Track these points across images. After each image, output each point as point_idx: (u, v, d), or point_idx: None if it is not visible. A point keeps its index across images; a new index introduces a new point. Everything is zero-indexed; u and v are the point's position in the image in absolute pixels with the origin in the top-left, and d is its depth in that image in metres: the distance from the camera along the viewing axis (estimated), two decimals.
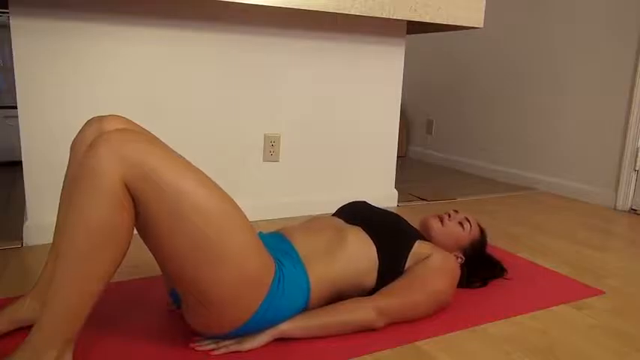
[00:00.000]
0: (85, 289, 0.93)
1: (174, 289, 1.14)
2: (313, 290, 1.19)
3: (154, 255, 1.05)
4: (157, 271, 1.58)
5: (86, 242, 0.91)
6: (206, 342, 1.14)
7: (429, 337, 1.25)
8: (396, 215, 1.43)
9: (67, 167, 1.18)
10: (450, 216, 1.51)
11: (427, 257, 1.31)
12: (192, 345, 1.14)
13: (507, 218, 2.42)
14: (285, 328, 1.16)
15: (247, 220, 1.07)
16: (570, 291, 1.58)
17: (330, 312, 1.21)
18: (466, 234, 1.48)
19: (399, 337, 1.24)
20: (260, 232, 1.31)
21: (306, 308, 1.20)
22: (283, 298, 1.12)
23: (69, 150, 1.18)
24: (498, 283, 1.58)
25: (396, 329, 1.26)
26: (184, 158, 1.02)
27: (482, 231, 1.54)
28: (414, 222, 1.56)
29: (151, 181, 0.93)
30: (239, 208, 1.06)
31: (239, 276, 1.03)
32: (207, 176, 1.02)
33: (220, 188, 1.04)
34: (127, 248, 0.97)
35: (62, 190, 1.18)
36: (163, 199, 0.95)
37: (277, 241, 1.26)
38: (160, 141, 1.03)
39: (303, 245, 1.24)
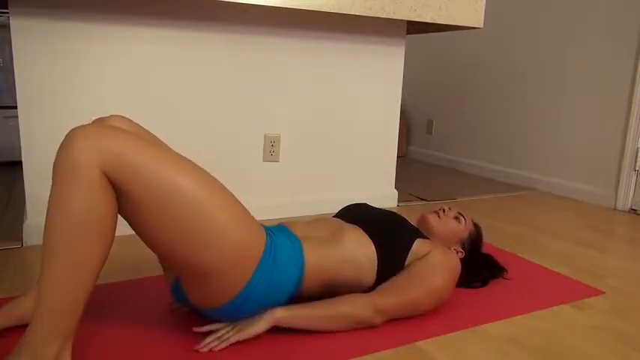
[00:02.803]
0: (77, 280, 0.94)
1: (176, 282, 1.15)
2: (307, 270, 1.20)
3: (143, 241, 1.06)
4: (156, 271, 1.58)
5: (72, 233, 0.92)
6: (207, 340, 1.14)
7: (429, 337, 1.25)
8: (397, 215, 1.43)
9: None
10: (444, 211, 1.54)
11: (427, 254, 1.32)
12: (196, 348, 1.14)
13: (507, 218, 2.42)
14: (283, 315, 1.17)
15: (230, 194, 1.09)
16: (570, 291, 1.58)
17: (327, 305, 1.22)
18: (463, 227, 1.51)
19: (399, 337, 1.24)
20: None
21: (299, 286, 1.20)
22: (275, 269, 1.14)
23: None
24: (498, 283, 1.59)
25: (396, 329, 1.26)
26: (174, 153, 1.04)
27: (476, 225, 1.57)
28: (413, 221, 1.56)
29: (129, 169, 0.95)
30: (220, 185, 1.08)
31: (228, 249, 1.05)
32: (190, 162, 1.04)
33: (201, 170, 1.06)
34: (113, 236, 0.98)
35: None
36: (143, 186, 0.96)
37: (277, 228, 1.29)
38: (157, 141, 1.04)
39: (302, 233, 1.28)
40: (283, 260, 1.16)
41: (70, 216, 0.92)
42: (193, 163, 1.05)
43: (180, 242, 1.02)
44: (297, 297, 1.23)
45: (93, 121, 1.16)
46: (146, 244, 1.07)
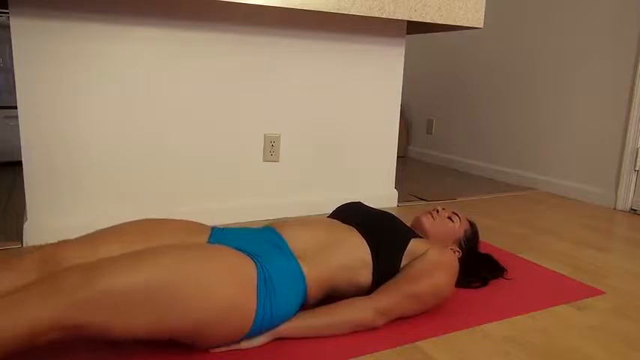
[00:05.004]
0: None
1: None
2: (310, 286, 1.19)
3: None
4: None
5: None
6: None
7: (429, 337, 1.25)
8: (391, 215, 1.43)
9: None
10: (438, 212, 1.54)
11: (424, 253, 1.32)
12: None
13: (507, 218, 2.42)
14: (283, 328, 1.16)
15: (199, 250, 1.06)
16: (570, 291, 1.58)
17: (328, 312, 1.21)
18: (457, 226, 1.51)
19: (399, 337, 1.24)
20: (246, 228, 1.31)
21: (305, 303, 1.20)
22: (278, 295, 1.12)
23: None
24: (498, 283, 1.58)
25: (396, 329, 1.26)
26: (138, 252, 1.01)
27: (471, 223, 1.57)
28: (411, 222, 1.56)
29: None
30: (183, 247, 1.06)
31: (217, 312, 1.03)
32: (153, 250, 1.02)
33: (167, 249, 1.03)
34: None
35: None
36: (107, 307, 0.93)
37: (268, 235, 1.25)
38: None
39: (294, 240, 1.24)
40: (283, 286, 1.13)
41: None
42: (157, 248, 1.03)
43: (170, 326, 0.99)
44: (303, 307, 1.23)
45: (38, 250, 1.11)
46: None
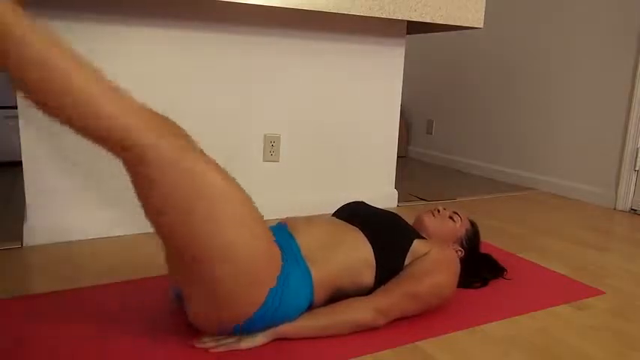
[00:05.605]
0: None
1: (179, 290, 1.15)
2: (316, 291, 1.20)
3: (159, 233, 1.05)
4: (156, 271, 1.58)
5: None
6: (205, 339, 1.14)
7: (429, 337, 1.25)
8: (394, 215, 1.43)
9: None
10: (439, 211, 1.55)
11: (426, 253, 1.32)
12: (191, 342, 1.14)
13: (507, 218, 2.42)
14: (284, 329, 1.16)
15: (259, 217, 1.09)
16: (570, 291, 1.58)
17: (328, 313, 1.21)
18: (458, 226, 1.52)
19: (399, 337, 1.24)
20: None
21: (310, 307, 1.20)
22: (289, 295, 1.12)
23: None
24: (498, 283, 1.59)
25: (396, 329, 1.26)
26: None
27: (472, 223, 1.58)
28: (412, 222, 1.56)
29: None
30: (251, 199, 1.09)
31: (248, 264, 1.04)
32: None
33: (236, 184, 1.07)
34: None
35: None
36: (173, 177, 0.97)
37: (282, 236, 1.26)
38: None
39: (303, 241, 1.25)
40: (296, 288, 1.14)
41: None
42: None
43: (198, 246, 1.00)
44: (309, 308, 1.23)
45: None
46: (162, 237, 1.05)
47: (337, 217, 1.44)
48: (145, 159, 0.96)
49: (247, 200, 1.06)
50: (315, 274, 1.19)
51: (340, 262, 1.24)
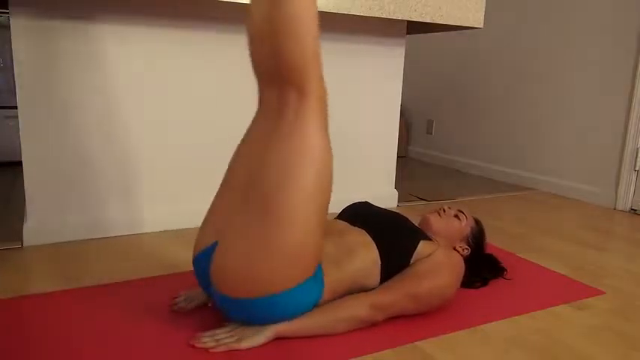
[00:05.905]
0: None
1: (207, 251, 1.17)
2: (325, 296, 1.21)
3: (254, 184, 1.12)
4: (157, 271, 1.58)
5: None
6: (205, 339, 1.14)
7: (429, 337, 1.25)
8: (400, 215, 1.44)
9: None
10: (444, 211, 1.56)
11: (430, 254, 1.32)
12: (191, 342, 1.14)
13: (507, 218, 2.42)
14: (283, 328, 1.16)
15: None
16: (570, 291, 1.58)
17: (326, 310, 1.21)
18: (464, 224, 1.53)
19: (399, 337, 1.24)
20: None
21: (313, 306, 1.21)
22: (307, 294, 1.15)
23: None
24: (498, 283, 1.59)
25: (396, 329, 1.26)
26: None
27: (477, 221, 1.59)
28: (415, 222, 1.56)
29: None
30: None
31: (305, 244, 1.09)
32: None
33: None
34: None
35: None
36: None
37: None
38: None
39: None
40: (311, 291, 1.16)
41: None
42: None
43: (277, 197, 1.07)
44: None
45: None
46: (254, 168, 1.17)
47: (342, 219, 1.44)
48: None
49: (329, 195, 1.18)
50: (327, 280, 1.21)
51: (350, 268, 1.25)
